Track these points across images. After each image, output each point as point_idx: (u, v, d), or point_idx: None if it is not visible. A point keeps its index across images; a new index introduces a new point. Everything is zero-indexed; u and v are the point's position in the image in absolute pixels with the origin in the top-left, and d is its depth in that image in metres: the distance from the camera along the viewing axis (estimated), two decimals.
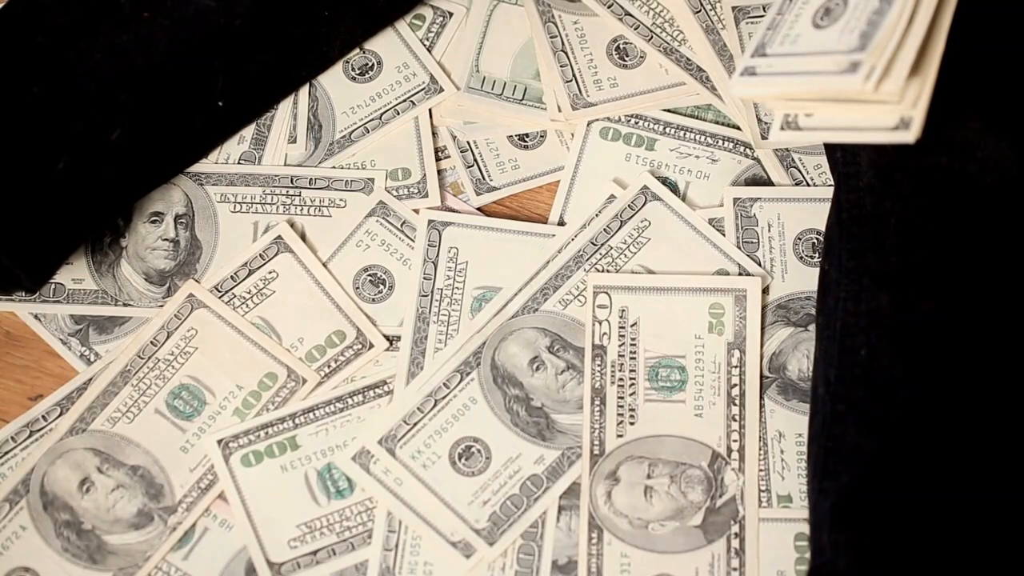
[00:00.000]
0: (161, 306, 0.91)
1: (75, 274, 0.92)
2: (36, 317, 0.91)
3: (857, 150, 0.84)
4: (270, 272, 0.91)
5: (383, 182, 0.94)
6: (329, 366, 0.89)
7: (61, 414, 0.88)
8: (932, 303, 0.78)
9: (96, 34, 0.88)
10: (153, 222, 0.93)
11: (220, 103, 0.94)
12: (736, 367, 0.87)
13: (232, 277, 0.91)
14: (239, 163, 0.95)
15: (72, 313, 0.91)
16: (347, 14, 0.97)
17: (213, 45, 0.91)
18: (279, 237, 0.92)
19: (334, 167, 0.95)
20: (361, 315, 0.90)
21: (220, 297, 0.91)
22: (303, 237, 0.93)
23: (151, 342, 0.89)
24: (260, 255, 0.92)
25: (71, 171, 0.86)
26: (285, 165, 0.95)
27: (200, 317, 0.90)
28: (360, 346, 0.90)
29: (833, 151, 0.87)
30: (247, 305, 0.91)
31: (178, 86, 0.91)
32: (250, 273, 0.91)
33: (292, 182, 0.94)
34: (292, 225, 0.93)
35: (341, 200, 0.94)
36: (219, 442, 0.87)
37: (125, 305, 0.91)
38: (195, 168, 0.95)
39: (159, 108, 0.90)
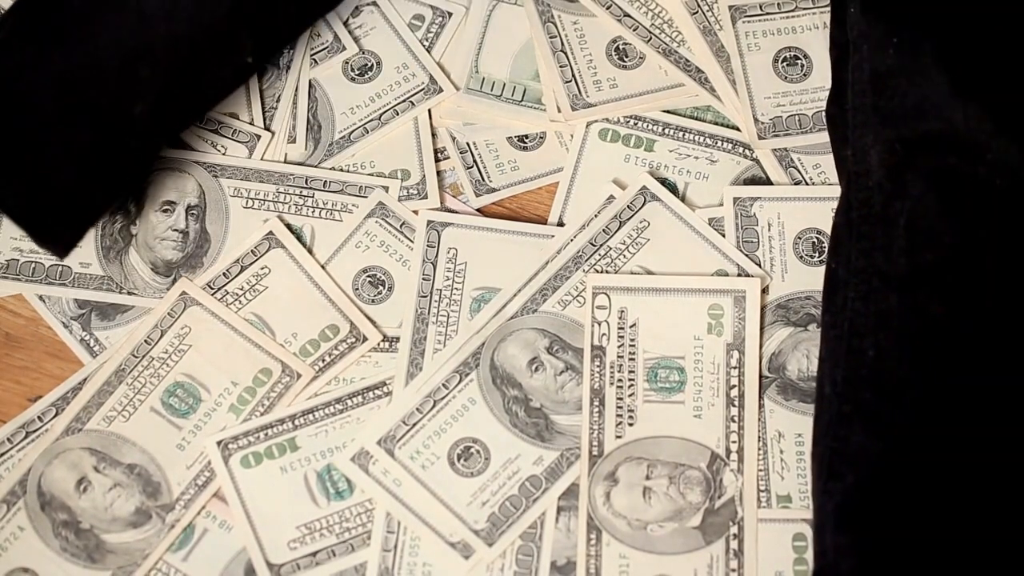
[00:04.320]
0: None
1: (83, 258, 0.92)
2: (41, 298, 0.92)
3: (867, 149, 0.84)
4: (262, 268, 0.91)
5: (396, 192, 0.94)
6: (323, 360, 0.89)
7: (57, 414, 0.88)
8: (941, 305, 0.78)
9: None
10: (165, 211, 0.93)
11: (250, 60, 0.93)
12: (735, 368, 0.87)
13: (224, 274, 0.91)
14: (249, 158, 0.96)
15: (76, 297, 0.91)
16: None
17: (241, 12, 0.89)
18: (270, 233, 0.92)
19: (344, 170, 0.95)
20: (354, 309, 0.90)
21: (213, 294, 0.91)
22: (312, 240, 0.93)
23: (145, 340, 0.89)
24: (252, 251, 0.92)
25: (94, 145, 0.85)
26: (302, 165, 0.95)
27: (193, 314, 0.90)
28: (354, 340, 0.89)
29: (843, 150, 0.87)
30: (240, 301, 0.91)
31: (204, 53, 0.89)
32: (242, 269, 0.91)
33: (307, 183, 0.94)
34: (284, 223, 0.93)
35: (354, 205, 0.94)
36: (219, 443, 0.87)
37: (130, 294, 0.91)
38: (211, 160, 0.95)
39: (185, 77, 0.89)
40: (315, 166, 0.95)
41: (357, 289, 0.91)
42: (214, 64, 0.91)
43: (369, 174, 0.95)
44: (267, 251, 0.92)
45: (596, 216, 0.92)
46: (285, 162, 0.95)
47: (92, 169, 0.86)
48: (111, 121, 0.86)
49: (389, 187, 0.94)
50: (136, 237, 0.93)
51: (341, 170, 0.95)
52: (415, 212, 0.93)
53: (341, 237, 0.93)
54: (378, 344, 0.90)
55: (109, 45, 0.85)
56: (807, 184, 0.93)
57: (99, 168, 0.86)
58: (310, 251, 0.92)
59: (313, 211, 0.94)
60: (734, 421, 0.86)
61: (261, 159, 0.95)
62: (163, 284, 0.92)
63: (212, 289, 0.91)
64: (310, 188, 0.94)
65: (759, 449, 0.85)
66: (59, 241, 0.87)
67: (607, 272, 0.90)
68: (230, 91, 0.96)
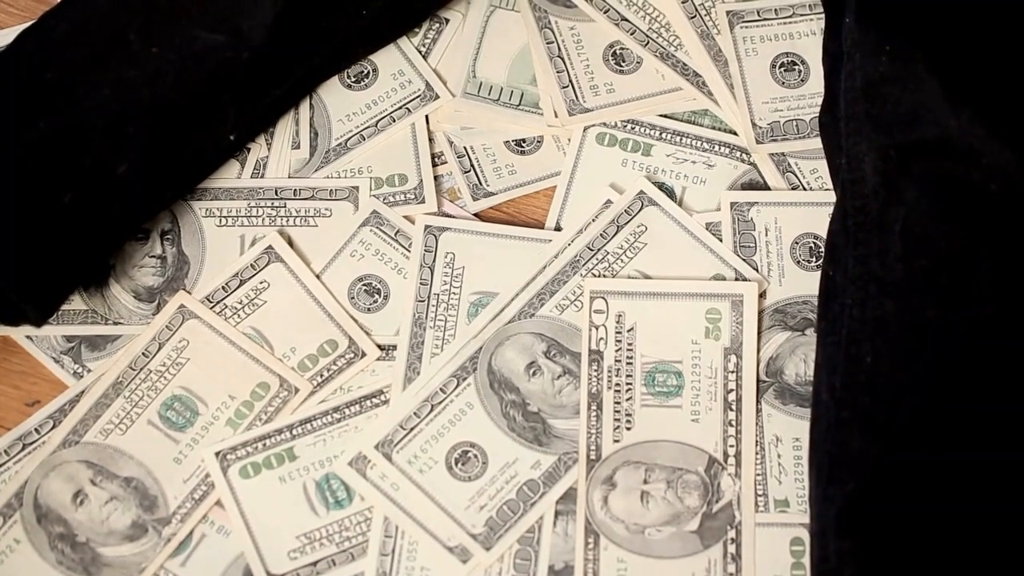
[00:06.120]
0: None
1: None
2: (29, 338, 0.91)
3: (861, 157, 0.84)
4: (261, 282, 0.91)
5: (368, 190, 0.94)
6: (322, 375, 0.89)
7: (54, 427, 0.87)
8: (937, 310, 0.78)
9: (104, 69, 0.87)
10: (139, 239, 0.93)
11: (232, 136, 0.94)
12: (732, 372, 0.87)
13: (223, 288, 0.91)
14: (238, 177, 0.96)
15: (63, 334, 0.91)
16: (355, 40, 0.97)
17: (222, 79, 0.90)
18: (270, 247, 0.92)
19: (328, 176, 0.95)
20: (353, 324, 0.90)
21: (212, 308, 0.91)
22: (291, 247, 0.93)
23: (143, 353, 0.89)
24: (251, 265, 0.92)
25: (78, 205, 0.86)
26: (271, 178, 0.95)
27: (192, 328, 0.90)
28: (352, 355, 0.89)
29: (837, 158, 0.87)
30: (239, 315, 0.90)
31: (187, 120, 0.90)
32: (241, 283, 0.91)
33: (276, 194, 0.94)
34: (286, 237, 0.93)
35: (327, 210, 0.94)
36: (217, 454, 0.86)
37: (116, 324, 0.91)
38: None
39: (167, 141, 0.89)
40: (288, 176, 0.95)
41: (353, 298, 0.91)
42: (197, 130, 0.92)
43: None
44: (266, 265, 0.92)
45: (593, 220, 0.92)
46: (252, 176, 0.95)
47: (73, 233, 0.87)
48: (94, 181, 0.86)
49: (359, 186, 0.94)
50: (114, 268, 0.92)
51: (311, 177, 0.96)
52: (409, 219, 0.93)
53: (335, 247, 0.92)
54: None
55: (93, 109, 0.87)
56: (804, 189, 0.93)
57: (80, 232, 0.87)
58: (307, 263, 0.92)
59: (287, 220, 0.94)
60: (731, 425, 0.85)
61: (253, 170, 0.96)
62: (148, 310, 0.91)
63: (211, 303, 0.91)
64: (280, 199, 0.94)
65: (757, 453, 0.85)
66: (37, 301, 0.87)
67: (604, 276, 0.90)
68: (211, 169, 0.96)
